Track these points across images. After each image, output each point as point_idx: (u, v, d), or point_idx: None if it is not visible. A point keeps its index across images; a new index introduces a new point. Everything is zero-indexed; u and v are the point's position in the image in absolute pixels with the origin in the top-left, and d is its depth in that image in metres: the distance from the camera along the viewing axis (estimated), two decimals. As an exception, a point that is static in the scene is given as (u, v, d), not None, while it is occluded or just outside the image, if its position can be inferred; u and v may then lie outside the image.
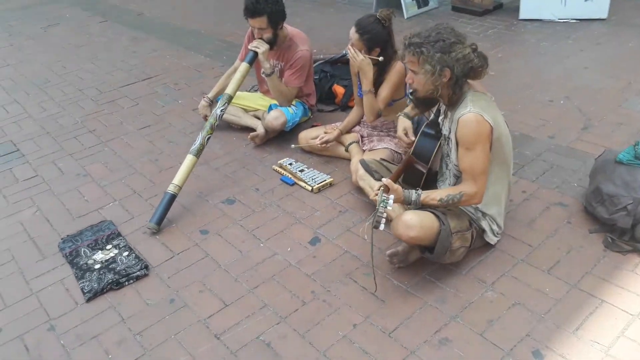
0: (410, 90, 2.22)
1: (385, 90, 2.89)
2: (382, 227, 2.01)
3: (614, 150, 2.63)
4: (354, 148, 3.09)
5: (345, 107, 3.83)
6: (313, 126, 3.55)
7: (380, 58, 2.80)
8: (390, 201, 2.02)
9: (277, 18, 3.19)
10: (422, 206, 2.18)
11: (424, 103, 2.23)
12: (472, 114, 2.04)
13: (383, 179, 2.13)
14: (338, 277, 2.34)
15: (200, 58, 5.07)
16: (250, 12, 3.13)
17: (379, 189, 2.13)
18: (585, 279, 2.23)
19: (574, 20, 5.04)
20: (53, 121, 4.06)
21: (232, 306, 2.24)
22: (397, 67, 2.85)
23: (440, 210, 2.18)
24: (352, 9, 6.14)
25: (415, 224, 2.07)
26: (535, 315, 2.08)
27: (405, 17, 5.57)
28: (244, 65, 3.19)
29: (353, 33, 2.81)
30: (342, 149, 3.19)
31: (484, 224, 2.31)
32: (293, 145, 3.27)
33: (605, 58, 4.28)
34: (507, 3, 5.68)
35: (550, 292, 2.18)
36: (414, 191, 2.16)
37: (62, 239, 2.73)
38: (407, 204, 2.17)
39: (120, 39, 5.83)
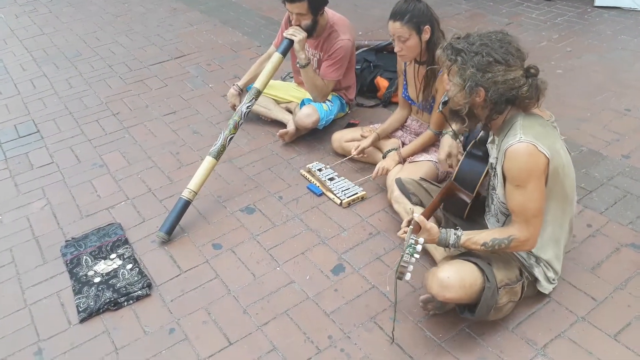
0: (445, 99, 1.83)
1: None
2: (408, 277, 1.67)
3: None
4: (392, 157, 2.71)
5: (388, 102, 3.43)
6: (349, 124, 3.19)
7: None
8: (419, 246, 1.67)
9: (318, 3, 2.81)
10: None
11: (457, 116, 1.82)
12: (523, 144, 1.65)
13: (414, 215, 1.77)
14: (361, 319, 2.02)
15: (238, 35, 4.74)
16: None
17: (407, 227, 1.78)
18: (663, 350, 1.82)
19: (660, 10, 4.40)
20: (78, 100, 3.84)
21: (236, 346, 1.96)
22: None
23: (484, 254, 1.81)
24: (405, -14, 5.61)
25: (454, 283, 1.71)
26: (596, 395, 1.71)
27: (464, -3, 5.04)
28: (276, 56, 2.83)
29: (391, 25, 2.39)
30: (379, 156, 2.81)
31: (537, 271, 1.92)
32: (331, 165, 2.87)
33: (697, 58, 3.69)
34: (582, -14, 5.04)
35: (616, 364, 1.79)
36: (452, 232, 1.79)
37: (66, 241, 2.52)
38: (443, 246, 1.81)
39: (158, 10, 5.56)
